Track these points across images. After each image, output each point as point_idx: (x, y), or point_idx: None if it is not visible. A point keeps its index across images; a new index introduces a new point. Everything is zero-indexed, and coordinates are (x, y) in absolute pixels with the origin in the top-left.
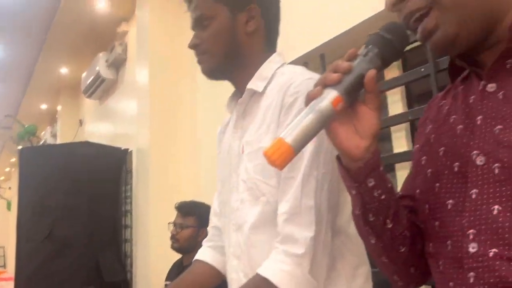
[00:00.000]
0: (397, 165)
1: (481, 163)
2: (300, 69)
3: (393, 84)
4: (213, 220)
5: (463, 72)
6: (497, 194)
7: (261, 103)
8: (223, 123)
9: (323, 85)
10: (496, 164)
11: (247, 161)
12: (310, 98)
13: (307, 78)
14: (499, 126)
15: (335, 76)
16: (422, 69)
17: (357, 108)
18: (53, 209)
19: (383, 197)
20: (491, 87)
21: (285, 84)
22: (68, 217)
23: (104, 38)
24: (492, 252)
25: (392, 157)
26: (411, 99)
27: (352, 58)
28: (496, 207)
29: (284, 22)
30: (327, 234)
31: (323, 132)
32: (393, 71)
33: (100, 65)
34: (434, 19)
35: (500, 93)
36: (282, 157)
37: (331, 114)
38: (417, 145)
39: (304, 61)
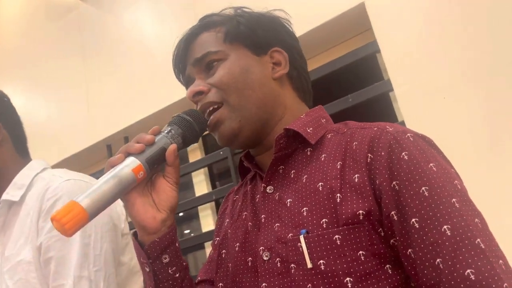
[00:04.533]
0: (206, 244)
1: (267, 258)
2: (60, 172)
3: (197, 165)
4: None
5: (250, 172)
6: (281, 285)
7: (20, 212)
8: None
9: (126, 153)
10: (278, 259)
11: (8, 279)
12: (111, 165)
13: (66, 179)
14: (277, 224)
15: (138, 145)
16: (221, 152)
17: (157, 182)
18: None
19: (177, 275)
20: (270, 189)
21: (42, 189)
22: None
23: None
24: None
25: (201, 237)
26: (213, 179)
27: (156, 133)
28: None
29: (87, 106)
30: None
31: (91, 230)
32: (195, 154)
33: None
34: (222, 114)
35: (276, 194)
36: (73, 221)
37: (131, 181)
38: (218, 238)
39: (107, 143)
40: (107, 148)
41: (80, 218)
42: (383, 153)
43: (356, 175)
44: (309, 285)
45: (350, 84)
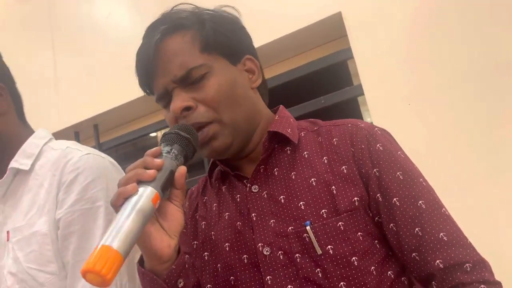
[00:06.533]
0: None
1: (268, 253)
2: (73, 144)
3: None
4: None
5: (214, 172)
6: (287, 276)
7: (29, 182)
8: None
9: (137, 181)
10: (280, 252)
11: (17, 250)
12: (123, 196)
13: (86, 153)
14: (272, 220)
15: (151, 172)
16: None
17: (163, 206)
18: None
19: None
20: (255, 188)
21: (59, 160)
22: None
23: None
24: None
25: None
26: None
27: (158, 155)
28: (289, 286)
29: (55, 91)
30: None
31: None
32: None
33: None
34: (214, 130)
35: (264, 193)
36: (114, 269)
37: (151, 213)
38: (196, 242)
39: (75, 130)
40: (75, 135)
41: (119, 263)
42: (363, 146)
43: (343, 167)
44: (318, 269)
45: (320, 86)
